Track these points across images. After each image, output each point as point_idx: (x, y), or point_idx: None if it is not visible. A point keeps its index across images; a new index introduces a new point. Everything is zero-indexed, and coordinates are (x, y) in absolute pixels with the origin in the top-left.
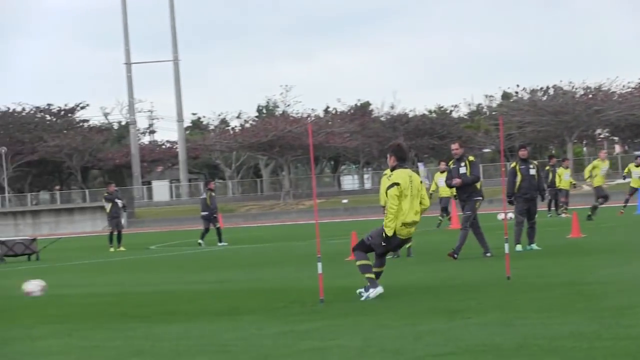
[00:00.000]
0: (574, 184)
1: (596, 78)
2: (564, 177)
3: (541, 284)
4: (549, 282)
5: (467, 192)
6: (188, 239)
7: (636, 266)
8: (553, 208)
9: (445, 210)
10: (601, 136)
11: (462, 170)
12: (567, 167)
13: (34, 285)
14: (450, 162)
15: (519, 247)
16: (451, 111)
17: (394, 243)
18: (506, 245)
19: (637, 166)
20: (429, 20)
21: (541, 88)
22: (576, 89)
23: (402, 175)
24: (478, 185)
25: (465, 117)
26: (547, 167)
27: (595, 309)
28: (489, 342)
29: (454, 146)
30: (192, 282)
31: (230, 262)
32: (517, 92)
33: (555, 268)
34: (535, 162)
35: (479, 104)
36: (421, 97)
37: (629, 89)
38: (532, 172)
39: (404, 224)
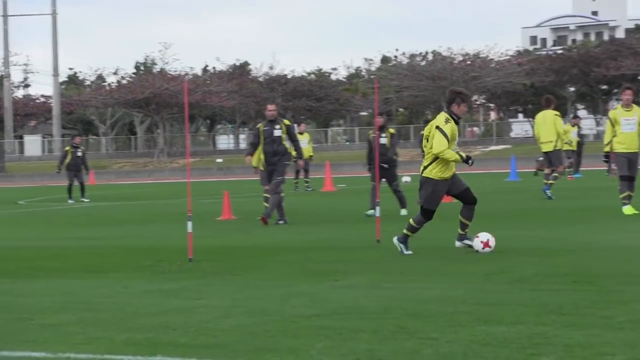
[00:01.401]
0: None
1: (475, 45)
2: None
3: (411, 247)
4: (420, 246)
5: (277, 155)
6: (57, 195)
7: (507, 232)
8: None
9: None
10: (477, 102)
11: (383, 140)
12: None
13: None
14: (260, 125)
15: (370, 212)
16: (330, 74)
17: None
18: (377, 209)
19: (573, 126)
20: None
21: (420, 53)
22: (455, 55)
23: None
24: (292, 149)
25: (344, 80)
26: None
27: (463, 273)
28: (354, 305)
29: (270, 107)
30: (59, 239)
31: (99, 219)
32: (396, 57)
33: (428, 232)
34: (392, 130)
35: (358, 67)
36: (302, 59)
37: (507, 57)
38: (383, 140)
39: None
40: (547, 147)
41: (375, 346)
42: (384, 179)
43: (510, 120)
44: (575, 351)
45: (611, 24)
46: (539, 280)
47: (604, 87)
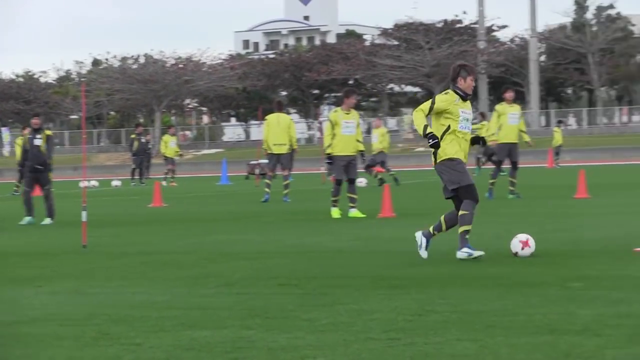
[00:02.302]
0: (180, 153)
1: (187, 48)
2: (169, 144)
3: (117, 252)
4: (125, 251)
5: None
6: None
7: (220, 237)
8: (137, 177)
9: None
10: (190, 106)
11: (38, 142)
12: (173, 135)
13: None
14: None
15: (26, 220)
16: (40, 76)
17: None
18: (83, 214)
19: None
20: None
21: (132, 56)
22: (167, 58)
23: None
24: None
25: (54, 82)
26: (133, 135)
27: (170, 278)
28: (57, 311)
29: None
30: None
31: None
32: (107, 60)
33: (134, 237)
34: (48, 132)
35: (69, 70)
36: (11, 62)
37: (220, 61)
38: (37, 142)
39: None
40: (280, 150)
41: (76, 353)
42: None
43: (223, 124)
44: (278, 354)
45: (322, 29)
46: (246, 284)
47: (316, 91)
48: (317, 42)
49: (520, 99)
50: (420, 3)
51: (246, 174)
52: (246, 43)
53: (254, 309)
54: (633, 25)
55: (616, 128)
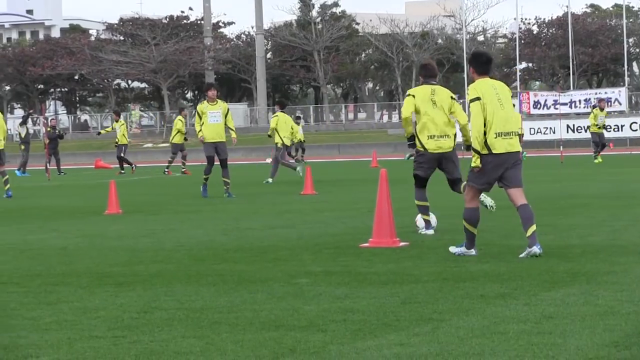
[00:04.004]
0: None
1: None
2: None
3: None
4: None
5: None
6: None
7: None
8: None
9: None
10: None
11: None
12: None
13: None
14: None
15: None
16: None
17: None
18: None
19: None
20: None
21: None
22: None
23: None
24: None
25: None
26: None
27: None
28: None
29: None
30: None
31: None
32: None
33: None
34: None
35: None
36: None
37: None
38: None
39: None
40: None
41: None
42: None
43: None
44: (0, 354)
45: (47, 23)
46: None
47: (41, 86)
48: (41, 36)
49: (248, 95)
50: None
51: None
52: None
53: None
54: (357, 23)
55: (342, 125)
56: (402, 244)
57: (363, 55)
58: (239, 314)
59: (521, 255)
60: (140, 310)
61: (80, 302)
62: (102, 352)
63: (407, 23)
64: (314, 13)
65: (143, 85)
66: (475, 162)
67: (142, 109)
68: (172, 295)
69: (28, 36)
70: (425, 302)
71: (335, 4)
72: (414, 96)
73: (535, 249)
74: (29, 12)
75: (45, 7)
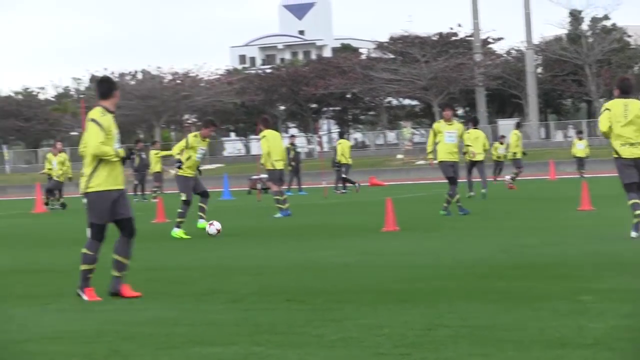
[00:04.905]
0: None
1: (184, 64)
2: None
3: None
4: (131, 267)
5: None
6: None
7: (224, 252)
8: (140, 192)
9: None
10: (189, 121)
11: None
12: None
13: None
14: None
15: None
16: (38, 93)
17: None
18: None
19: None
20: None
21: (130, 72)
22: (164, 74)
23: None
24: None
25: (53, 99)
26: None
27: (177, 294)
28: (66, 329)
29: None
30: None
31: None
32: None
33: (139, 253)
34: None
35: (67, 87)
36: (8, 79)
37: (217, 76)
38: None
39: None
40: (281, 165)
41: None
42: None
43: (223, 139)
44: None
45: (318, 43)
46: (253, 299)
47: (314, 105)
48: (313, 56)
49: (519, 111)
50: (415, 16)
51: (248, 188)
52: (242, 58)
53: (262, 325)
54: (629, 36)
55: None
56: None
57: (636, 68)
58: (523, 331)
59: None
60: (425, 328)
61: (365, 319)
62: None
63: None
64: (585, 26)
65: (414, 102)
66: None
67: (414, 126)
68: (456, 313)
69: (300, 56)
70: None
71: (606, 17)
72: None
73: None
74: (301, 32)
75: (317, 27)
